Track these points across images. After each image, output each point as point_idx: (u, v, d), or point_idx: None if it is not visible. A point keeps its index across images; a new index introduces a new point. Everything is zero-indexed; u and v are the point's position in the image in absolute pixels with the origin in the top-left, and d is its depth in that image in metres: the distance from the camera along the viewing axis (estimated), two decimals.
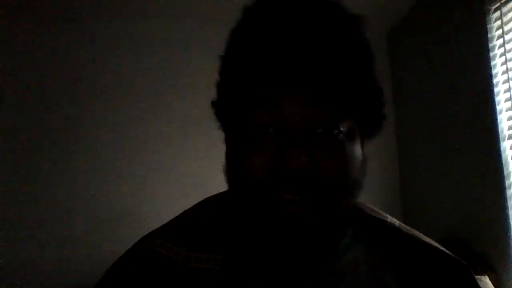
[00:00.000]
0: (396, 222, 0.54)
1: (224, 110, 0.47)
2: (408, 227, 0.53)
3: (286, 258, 0.43)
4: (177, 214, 0.54)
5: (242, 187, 0.42)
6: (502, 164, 1.61)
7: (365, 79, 0.43)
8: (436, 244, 0.52)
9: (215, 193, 0.55)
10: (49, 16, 2.15)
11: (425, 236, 0.53)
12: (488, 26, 1.68)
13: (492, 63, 1.67)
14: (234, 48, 0.45)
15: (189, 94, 2.26)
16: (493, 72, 1.67)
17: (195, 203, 0.55)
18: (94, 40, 2.26)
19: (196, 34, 2.30)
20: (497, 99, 1.65)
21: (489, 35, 1.68)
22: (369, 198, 0.54)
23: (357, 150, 0.44)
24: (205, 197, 0.55)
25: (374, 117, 0.46)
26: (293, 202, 0.40)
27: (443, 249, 0.51)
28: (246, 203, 0.43)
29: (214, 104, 0.49)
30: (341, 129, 0.41)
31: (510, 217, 1.57)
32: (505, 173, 1.60)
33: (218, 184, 0.52)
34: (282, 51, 0.39)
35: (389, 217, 0.54)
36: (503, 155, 1.61)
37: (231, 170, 0.45)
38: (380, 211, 0.55)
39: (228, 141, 0.48)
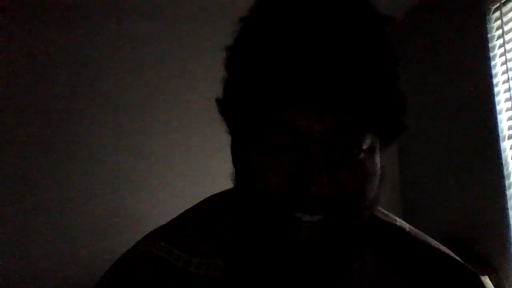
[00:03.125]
0: (406, 226, 0.51)
1: (233, 110, 0.43)
2: (418, 232, 0.51)
3: (297, 276, 0.41)
4: (177, 214, 0.52)
5: (255, 203, 0.40)
6: (502, 164, 1.61)
7: (393, 91, 0.40)
8: (446, 251, 0.50)
9: (217, 192, 0.53)
10: (49, 16, 2.15)
11: (435, 241, 0.51)
12: (488, 26, 1.68)
13: (492, 63, 1.67)
14: (251, 44, 0.39)
15: (189, 94, 2.26)
16: (493, 72, 1.67)
17: (195, 202, 0.53)
18: (94, 40, 2.25)
19: (198, 34, 2.30)
20: (497, 99, 1.65)
21: (489, 35, 1.68)
22: None
23: (377, 166, 0.41)
24: (206, 196, 0.53)
25: (397, 128, 0.43)
26: (311, 222, 0.38)
27: (453, 255, 0.50)
28: (259, 220, 0.40)
29: (219, 102, 0.44)
30: (364, 147, 0.38)
31: (510, 217, 1.57)
32: (505, 173, 1.60)
33: (218, 184, 0.52)
34: (310, 61, 0.35)
35: (398, 220, 0.51)
36: (503, 155, 1.61)
37: (242, 182, 0.42)
38: (388, 214, 0.52)
39: (236, 146, 0.44)
